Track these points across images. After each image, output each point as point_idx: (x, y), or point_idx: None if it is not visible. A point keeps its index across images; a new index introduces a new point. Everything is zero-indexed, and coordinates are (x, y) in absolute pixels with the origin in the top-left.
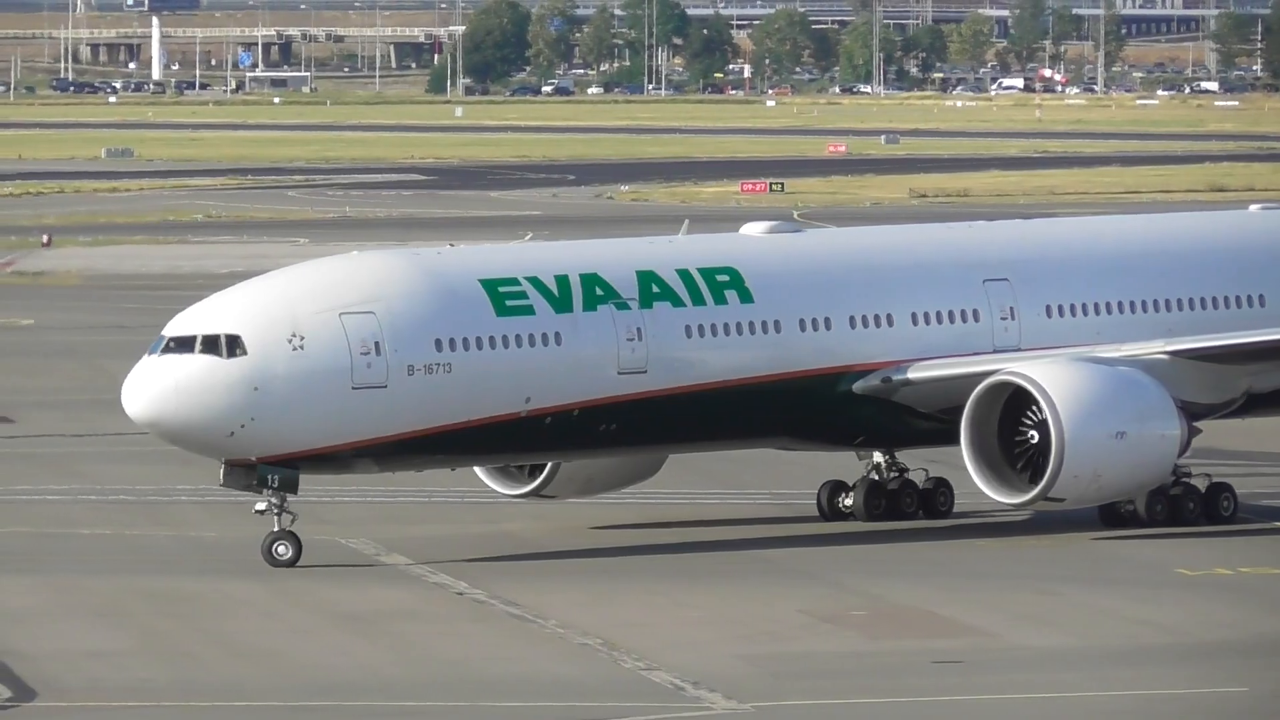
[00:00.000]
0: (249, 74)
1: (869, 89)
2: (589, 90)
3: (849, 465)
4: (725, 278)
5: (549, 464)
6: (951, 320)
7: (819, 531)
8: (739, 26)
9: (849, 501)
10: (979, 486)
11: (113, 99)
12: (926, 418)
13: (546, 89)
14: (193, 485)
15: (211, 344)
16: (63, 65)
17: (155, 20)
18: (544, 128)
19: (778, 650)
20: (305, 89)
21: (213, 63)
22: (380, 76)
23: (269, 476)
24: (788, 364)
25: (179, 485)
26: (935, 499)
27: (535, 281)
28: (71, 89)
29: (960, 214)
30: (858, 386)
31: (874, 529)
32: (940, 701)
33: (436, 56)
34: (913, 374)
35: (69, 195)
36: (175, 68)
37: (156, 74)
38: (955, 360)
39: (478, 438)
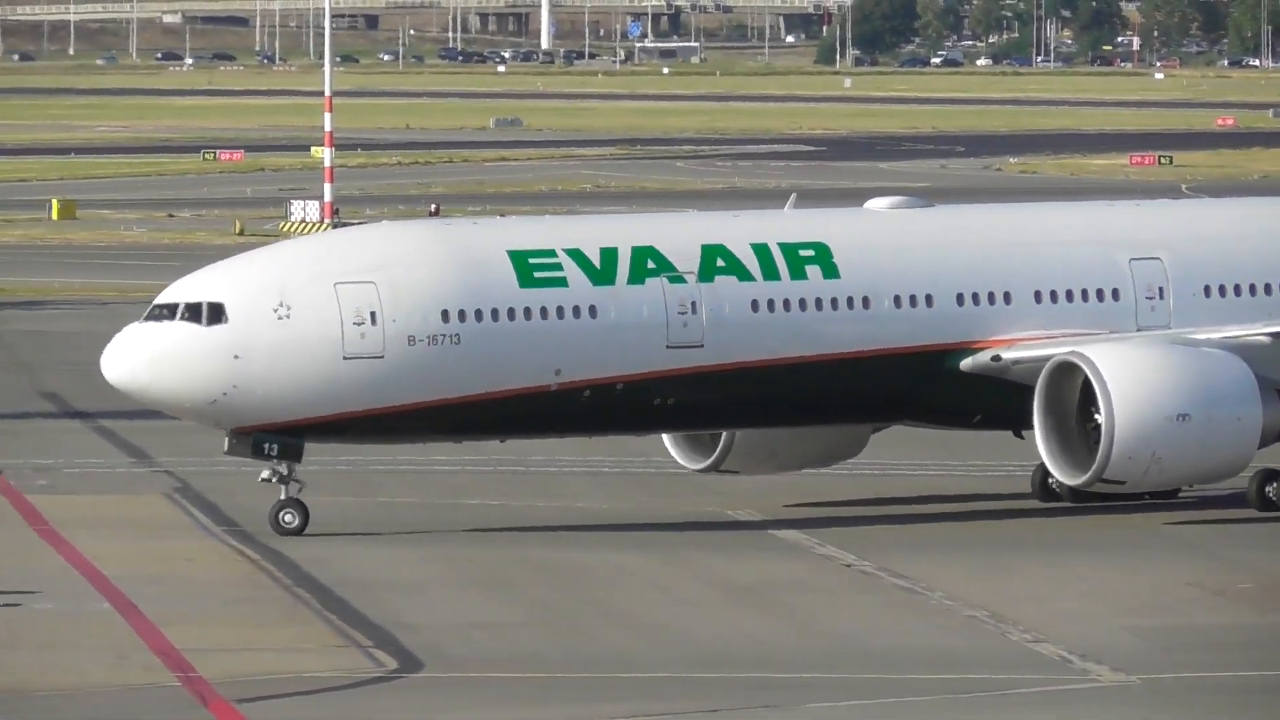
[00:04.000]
0: (638, 44)
1: (1257, 62)
2: (978, 62)
3: None
4: (810, 253)
5: (723, 437)
6: (1085, 299)
7: (1193, 502)
8: None
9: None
10: (1046, 465)
11: (501, 68)
12: None
13: (935, 60)
14: (581, 456)
15: (194, 312)
16: (451, 34)
17: None
18: (933, 99)
19: (1167, 623)
20: (694, 59)
21: (601, 33)
22: (769, 47)
23: (265, 445)
24: (877, 341)
25: (566, 456)
26: None
27: (575, 253)
28: (460, 58)
29: None
30: (966, 364)
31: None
32: None
33: (825, 27)
34: (1019, 352)
35: (457, 165)
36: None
37: (545, 44)
38: (1058, 338)
39: (502, 410)
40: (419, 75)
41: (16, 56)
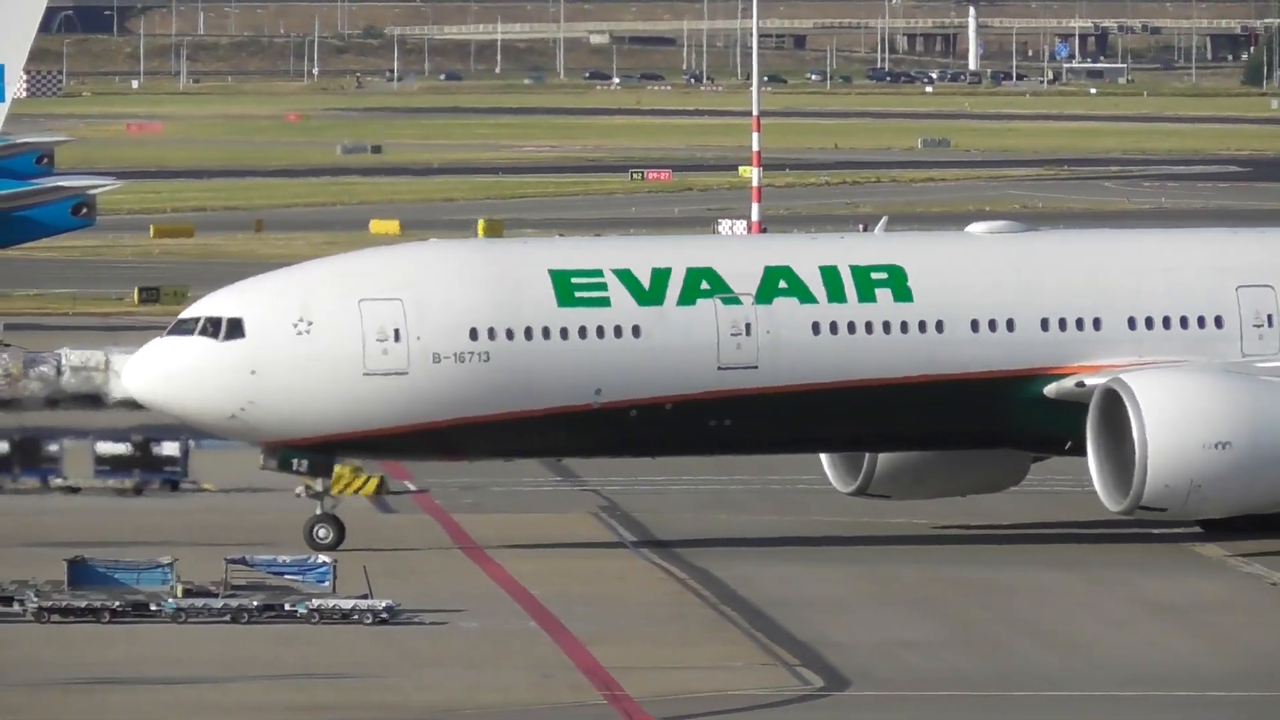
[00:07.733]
0: (1065, 65)
1: None
2: None
3: None
4: (882, 275)
5: (865, 460)
6: (1184, 326)
7: None
8: None
9: None
10: (1097, 489)
11: (929, 88)
12: None
13: None
14: None
15: (213, 326)
16: (879, 54)
17: (971, 10)
18: None
19: None
20: (1121, 80)
21: (1029, 53)
22: (1196, 68)
23: (293, 460)
24: (949, 365)
25: None
26: None
27: (623, 274)
28: (888, 78)
29: None
30: (1050, 390)
31: None
32: None
33: (1252, 48)
34: (1100, 379)
35: (884, 184)
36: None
37: (973, 64)
38: (1150, 365)
39: (541, 428)
40: (846, 95)
41: (444, 76)
